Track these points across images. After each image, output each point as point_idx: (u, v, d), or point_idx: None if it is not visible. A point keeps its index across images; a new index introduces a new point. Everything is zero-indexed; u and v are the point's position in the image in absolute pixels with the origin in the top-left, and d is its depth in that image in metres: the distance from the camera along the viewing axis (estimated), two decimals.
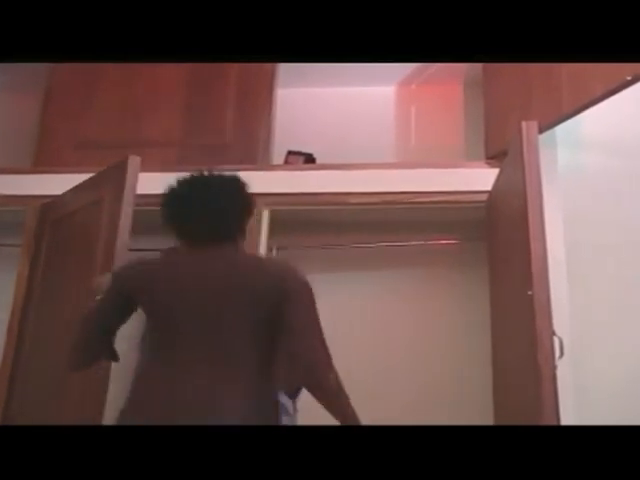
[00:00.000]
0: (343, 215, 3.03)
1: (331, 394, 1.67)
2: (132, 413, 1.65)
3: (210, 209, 1.80)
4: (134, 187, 2.39)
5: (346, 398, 1.70)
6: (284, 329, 1.68)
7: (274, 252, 3.06)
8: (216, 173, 1.88)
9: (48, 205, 2.89)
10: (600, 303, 2.78)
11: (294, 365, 1.65)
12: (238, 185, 1.89)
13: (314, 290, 1.82)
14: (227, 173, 1.90)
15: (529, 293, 1.98)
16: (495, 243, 2.68)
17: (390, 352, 3.07)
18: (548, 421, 1.85)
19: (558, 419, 1.88)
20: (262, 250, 2.87)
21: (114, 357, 1.85)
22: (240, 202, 1.87)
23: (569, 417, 2.28)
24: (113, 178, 2.45)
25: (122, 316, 1.83)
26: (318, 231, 3.11)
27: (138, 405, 1.66)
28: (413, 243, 3.09)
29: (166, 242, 3.12)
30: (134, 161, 2.43)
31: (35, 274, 2.77)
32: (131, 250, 2.37)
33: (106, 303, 1.82)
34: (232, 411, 1.58)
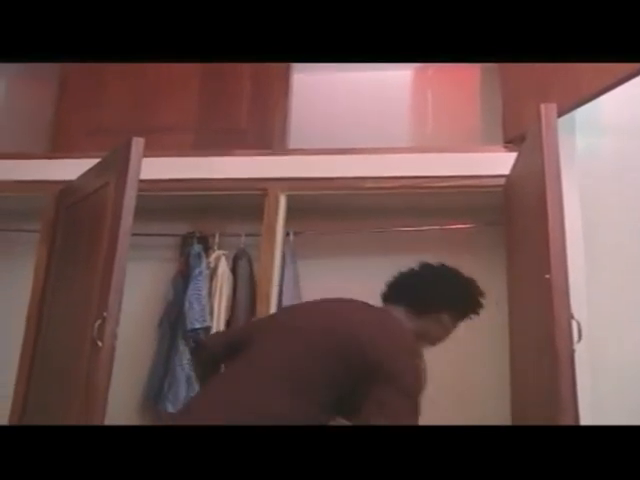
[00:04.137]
0: (359, 200, 3.02)
1: None
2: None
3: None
4: (138, 170, 2.35)
5: None
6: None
7: (291, 237, 3.06)
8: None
9: (64, 191, 2.90)
10: (618, 287, 2.76)
11: None
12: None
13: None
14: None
15: (547, 277, 1.96)
16: (513, 227, 2.66)
17: None
18: (566, 405, 1.83)
19: (576, 403, 1.87)
20: (279, 235, 2.87)
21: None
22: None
23: (586, 401, 2.26)
24: (117, 162, 2.43)
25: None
26: (334, 216, 3.11)
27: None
28: (430, 228, 3.07)
29: (171, 227, 3.18)
30: (137, 144, 2.38)
31: (52, 260, 2.80)
32: (135, 235, 2.37)
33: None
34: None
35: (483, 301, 1.94)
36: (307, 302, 1.91)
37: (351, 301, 1.83)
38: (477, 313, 1.93)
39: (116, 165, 2.43)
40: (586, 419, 2.20)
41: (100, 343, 2.12)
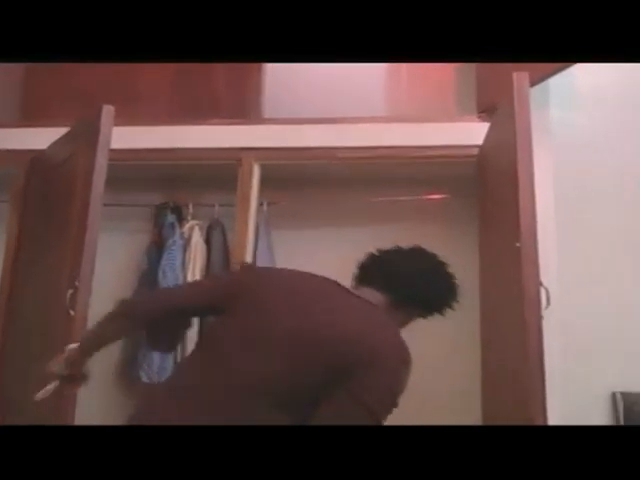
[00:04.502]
0: (333, 170, 3.02)
1: None
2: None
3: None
4: (108, 139, 2.31)
5: None
6: None
7: (265, 207, 3.06)
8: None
9: (35, 160, 2.86)
10: (589, 256, 2.81)
11: None
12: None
13: None
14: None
15: (517, 245, 1.99)
16: (485, 198, 2.68)
17: None
18: (533, 369, 1.88)
19: (542, 368, 1.91)
20: (253, 205, 2.87)
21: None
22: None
23: (555, 366, 2.31)
24: (87, 131, 2.39)
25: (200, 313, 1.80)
26: (308, 187, 3.11)
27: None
28: (404, 199, 3.09)
29: (144, 197, 3.16)
30: (108, 112, 2.33)
31: (24, 230, 2.77)
32: (106, 205, 2.35)
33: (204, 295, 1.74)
34: None
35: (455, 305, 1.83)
36: (297, 286, 1.71)
37: (346, 295, 1.70)
38: (442, 314, 1.83)
39: (86, 134, 2.39)
40: (554, 384, 2.25)
41: (73, 312, 2.12)
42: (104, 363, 2.93)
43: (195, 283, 1.83)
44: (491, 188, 2.55)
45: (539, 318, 1.93)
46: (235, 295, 1.66)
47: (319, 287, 1.72)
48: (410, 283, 1.74)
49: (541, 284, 1.97)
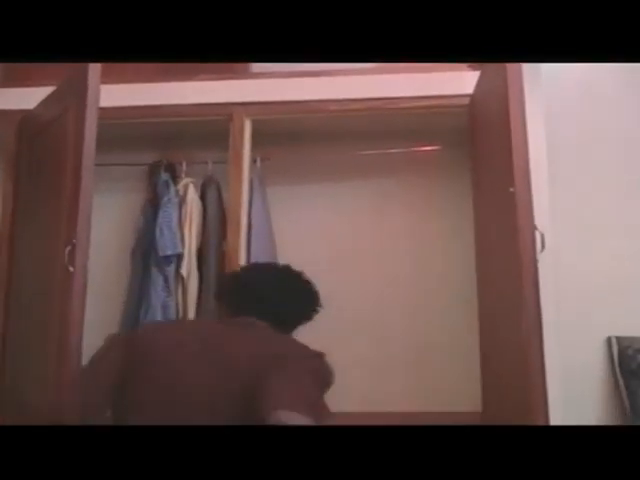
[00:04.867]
0: (325, 124, 3.01)
1: None
2: None
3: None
4: (97, 97, 2.25)
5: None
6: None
7: (258, 163, 3.05)
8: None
9: (24, 120, 2.83)
10: (582, 202, 2.85)
11: None
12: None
13: None
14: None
15: (511, 190, 2.00)
16: (478, 147, 2.69)
17: (375, 262, 3.13)
18: (529, 311, 1.90)
19: (539, 310, 1.94)
20: (246, 161, 2.87)
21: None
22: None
23: (550, 309, 2.34)
24: (75, 89, 2.34)
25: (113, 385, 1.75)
26: (301, 142, 3.10)
27: None
28: (396, 151, 3.09)
29: (137, 157, 3.14)
30: (94, 70, 2.25)
31: (18, 191, 2.75)
32: (99, 165, 2.34)
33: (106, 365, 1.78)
34: None
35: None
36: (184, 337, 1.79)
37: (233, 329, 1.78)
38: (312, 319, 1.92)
39: (74, 93, 2.35)
40: (550, 329, 2.29)
41: (72, 269, 2.12)
42: (104, 324, 2.95)
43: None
44: (483, 137, 2.55)
45: (534, 261, 1.95)
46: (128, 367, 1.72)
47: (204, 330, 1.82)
48: (274, 307, 1.82)
49: (536, 228, 1.99)
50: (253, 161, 2.99)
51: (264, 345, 1.71)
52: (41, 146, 2.66)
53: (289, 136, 3.05)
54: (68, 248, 2.15)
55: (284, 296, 1.85)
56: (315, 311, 1.90)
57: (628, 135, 2.94)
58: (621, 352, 2.84)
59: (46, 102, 2.67)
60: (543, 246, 2.00)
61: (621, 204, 2.92)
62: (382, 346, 3.01)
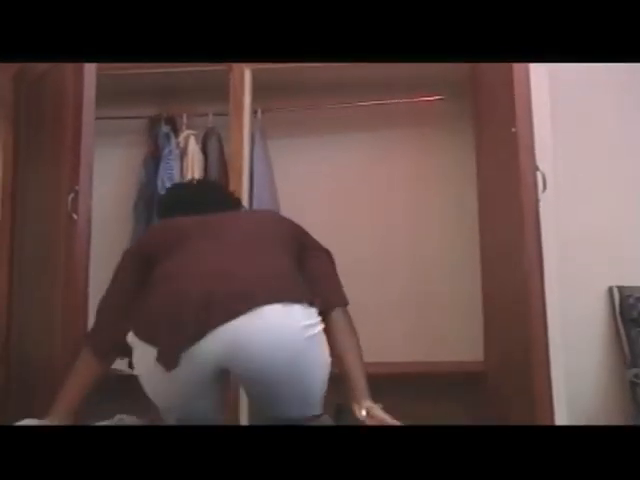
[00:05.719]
0: (326, 74, 2.97)
1: (343, 329, 1.72)
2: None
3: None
4: None
5: (353, 342, 1.73)
6: (310, 273, 1.77)
7: (259, 115, 3.04)
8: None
9: (22, 68, 2.78)
10: (584, 145, 2.84)
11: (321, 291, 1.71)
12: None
13: None
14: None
15: (513, 130, 2.01)
16: (480, 92, 2.68)
17: (375, 211, 3.13)
18: (530, 251, 1.92)
19: (540, 248, 1.96)
20: (246, 112, 2.85)
21: (124, 352, 1.74)
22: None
23: (551, 257, 2.35)
24: None
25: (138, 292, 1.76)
26: (301, 92, 3.08)
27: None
28: (398, 101, 3.07)
29: (137, 110, 3.12)
30: None
31: (19, 142, 2.75)
32: (101, 119, 2.34)
33: (125, 281, 1.80)
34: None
35: None
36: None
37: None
38: None
39: None
40: (551, 274, 2.29)
41: (75, 216, 2.14)
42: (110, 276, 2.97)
43: (119, 278, 1.82)
44: (486, 84, 2.54)
45: (536, 201, 1.96)
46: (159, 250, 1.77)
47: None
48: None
49: (537, 168, 1.99)
50: (254, 113, 2.97)
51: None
52: (40, 95, 2.64)
53: (290, 87, 3.03)
54: (71, 196, 2.16)
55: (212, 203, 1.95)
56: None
57: (632, 78, 2.91)
58: (622, 301, 2.87)
59: None
60: (545, 186, 2.01)
61: (623, 154, 2.92)
62: (383, 294, 3.03)
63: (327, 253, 1.87)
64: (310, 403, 1.63)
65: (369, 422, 1.58)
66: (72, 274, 2.13)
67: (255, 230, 1.80)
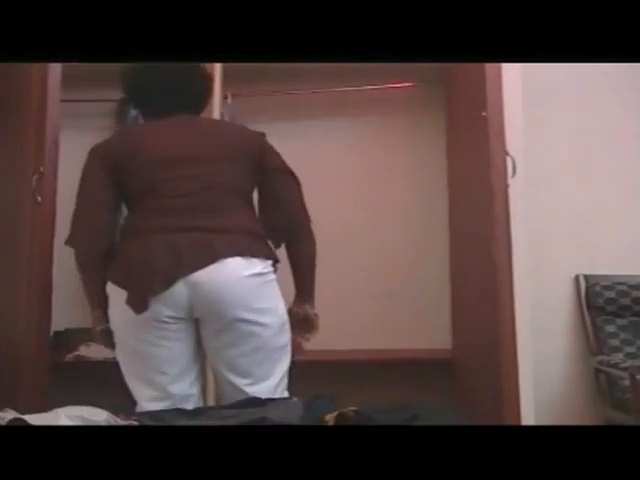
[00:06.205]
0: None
1: (307, 258, 1.91)
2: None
3: (176, 79, 1.96)
4: None
5: (312, 273, 1.92)
6: (269, 193, 1.92)
7: (229, 100, 3.00)
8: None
9: None
10: (556, 131, 2.85)
11: (282, 220, 1.90)
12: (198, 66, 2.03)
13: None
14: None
15: (483, 114, 2.01)
16: (451, 81, 2.68)
17: (346, 196, 3.11)
18: (499, 233, 1.93)
19: (509, 233, 1.97)
20: (216, 98, 2.81)
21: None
22: (201, 77, 2.03)
23: (520, 243, 2.36)
24: None
25: (116, 205, 1.89)
26: (271, 78, 3.04)
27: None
28: (369, 88, 3.05)
29: (102, 93, 3.06)
30: None
31: None
32: (63, 101, 2.29)
33: (98, 193, 1.87)
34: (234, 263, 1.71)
35: None
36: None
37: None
38: None
39: None
40: (519, 262, 2.30)
41: (40, 198, 2.09)
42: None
43: (92, 188, 1.89)
44: (457, 69, 2.54)
45: (505, 185, 1.97)
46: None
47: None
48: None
49: (507, 153, 2.00)
50: (224, 98, 2.94)
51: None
52: (4, 75, 2.57)
53: (259, 73, 2.99)
54: (35, 177, 2.11)
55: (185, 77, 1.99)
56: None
57: (603, 65, 2.92)
58: (588, 289, 2.90)
59: None
60: (514, 171, 2.01)
61: (592, 141, 2.95)
62: (351, 281, 3.00)
63: (291, 175, 1.98)
64: (268, 354, 1.76)
65: (293, 319, 1.85)
66: (36, 256, 2.08)
67: (220, 154, 1.87)
